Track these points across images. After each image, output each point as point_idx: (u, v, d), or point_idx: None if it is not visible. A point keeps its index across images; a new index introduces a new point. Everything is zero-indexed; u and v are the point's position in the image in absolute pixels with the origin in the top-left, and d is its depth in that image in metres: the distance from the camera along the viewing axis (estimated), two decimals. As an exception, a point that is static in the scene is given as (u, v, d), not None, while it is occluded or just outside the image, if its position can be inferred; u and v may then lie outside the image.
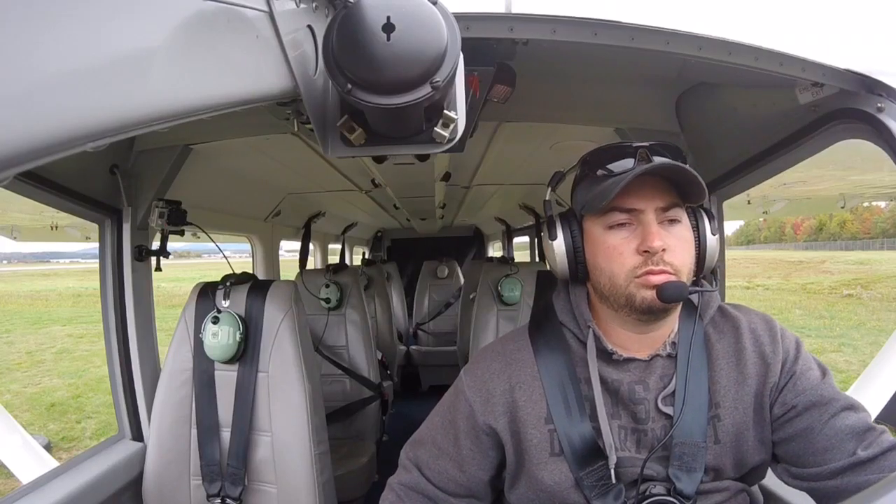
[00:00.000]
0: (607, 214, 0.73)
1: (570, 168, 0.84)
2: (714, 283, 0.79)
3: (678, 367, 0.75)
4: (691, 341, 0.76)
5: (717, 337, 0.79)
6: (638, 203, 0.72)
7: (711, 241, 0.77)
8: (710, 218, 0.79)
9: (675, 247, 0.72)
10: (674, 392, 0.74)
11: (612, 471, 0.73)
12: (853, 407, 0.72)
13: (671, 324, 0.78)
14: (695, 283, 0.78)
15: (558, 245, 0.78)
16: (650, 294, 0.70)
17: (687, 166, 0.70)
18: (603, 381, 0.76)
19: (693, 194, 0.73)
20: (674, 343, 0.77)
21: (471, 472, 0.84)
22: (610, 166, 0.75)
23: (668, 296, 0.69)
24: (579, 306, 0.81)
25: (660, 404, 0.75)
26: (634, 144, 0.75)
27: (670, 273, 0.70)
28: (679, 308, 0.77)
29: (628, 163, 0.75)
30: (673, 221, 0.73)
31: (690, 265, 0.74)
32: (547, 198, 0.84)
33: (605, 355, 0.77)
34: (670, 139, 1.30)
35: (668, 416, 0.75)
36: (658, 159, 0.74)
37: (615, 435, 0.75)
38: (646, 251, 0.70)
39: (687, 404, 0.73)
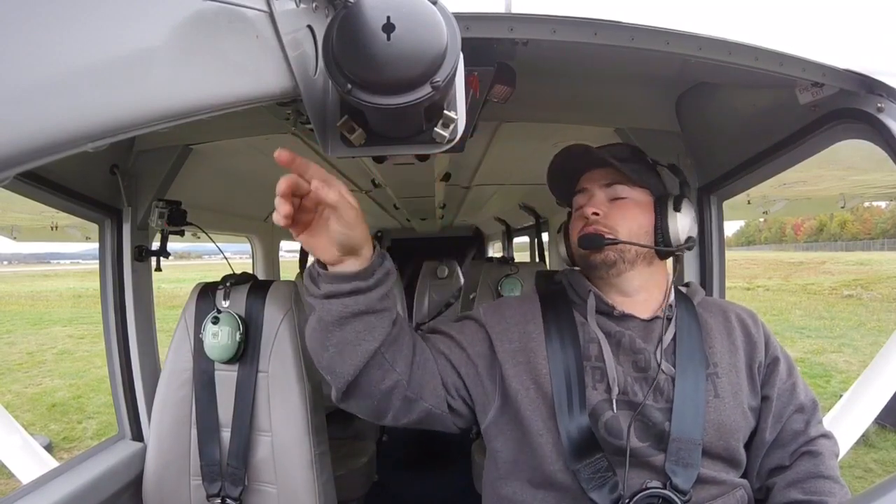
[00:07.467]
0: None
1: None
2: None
3: (676, 324, 0.84)
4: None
5: (708, 315, 0.89)
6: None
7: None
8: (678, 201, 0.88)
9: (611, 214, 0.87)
10: (674, 351, 0.82)
11: (614, 402, 0.78)
12: (802, 409, 0.83)
13: (642, 281, 0.87)
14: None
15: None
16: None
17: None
18: (607, 334, 0.82)
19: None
20: (671, 306, 0.87)
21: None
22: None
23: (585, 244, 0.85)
24: (578, 281, 0.90)
25: (659, 358, 0.81)
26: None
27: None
28: (638, 263, 0.86)
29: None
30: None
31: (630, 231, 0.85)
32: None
33: (605, 313, 0.85)
34: (670, 139, 1.30)
35: (669, 377, 0.80)
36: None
37: (618, 374, 0.80)
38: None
39: (686, 362, 0.80)
